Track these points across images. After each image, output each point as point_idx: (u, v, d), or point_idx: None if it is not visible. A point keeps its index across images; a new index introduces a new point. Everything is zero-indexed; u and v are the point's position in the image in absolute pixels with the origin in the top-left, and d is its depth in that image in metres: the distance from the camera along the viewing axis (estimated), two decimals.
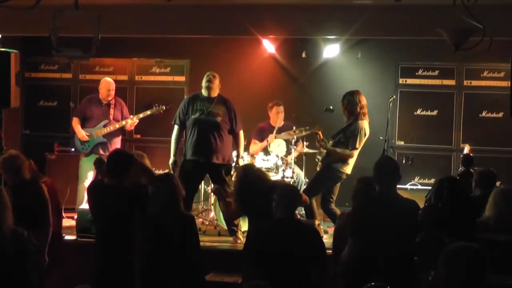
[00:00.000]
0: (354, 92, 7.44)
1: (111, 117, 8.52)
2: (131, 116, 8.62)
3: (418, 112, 9.51)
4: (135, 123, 8.60)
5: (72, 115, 8.89)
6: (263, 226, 4.95)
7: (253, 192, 5.48)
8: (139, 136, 9.83)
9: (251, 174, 5.66)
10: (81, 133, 8.44)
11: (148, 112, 8.63)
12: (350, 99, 7.37)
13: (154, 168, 9.46)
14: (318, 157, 7.50)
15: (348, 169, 7.32)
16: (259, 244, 4.78)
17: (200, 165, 7.33)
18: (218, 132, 7.34)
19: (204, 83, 7.39)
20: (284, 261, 4.61)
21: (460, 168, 7.73)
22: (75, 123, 8.54)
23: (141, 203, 5.19)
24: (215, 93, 7.41)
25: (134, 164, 5.36)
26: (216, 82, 7.39)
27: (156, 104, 8.67)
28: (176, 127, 7.56)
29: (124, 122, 8.50)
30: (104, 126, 8.46)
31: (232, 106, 7.48)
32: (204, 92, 7.41)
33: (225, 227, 7.48)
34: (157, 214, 4.99)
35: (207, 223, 7.98)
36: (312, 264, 4.74)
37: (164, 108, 8.65)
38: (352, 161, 7.34)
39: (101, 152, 8.36)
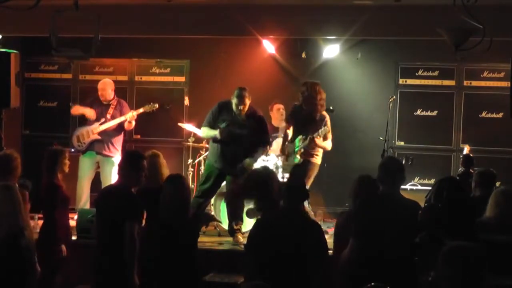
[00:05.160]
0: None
1: (109, 116, 8.48)
2: (132, 110, 8.54)
3: (418, 112, 9.50)
4: (134, 117, 8.46)
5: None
6: (266, 217, 4.92)
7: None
8: (139, 136, 9.82)
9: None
10: (91, 112, 8.41)
11: (141, 110, 8.53)
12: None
13: None
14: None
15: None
16: (261, 234, 4.75)
17: (222, 172, 7.38)
18: (242, 144, 7.25)
19: (234, 102, 7.20)
20: (285, 253, 4.57)
21: (460, 169, 7.74)
22: (80, 108, 8.53)
23: (142, 205, 5.21)
24: (246, 109, 7.26)
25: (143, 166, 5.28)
26: (247, 101, 7.20)
27: (149, 103, 8.63)
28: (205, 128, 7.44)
29: (119, 120, 8.39)
30: (101, 124, 8.42)
31: (262, 118, 7.41)
32: (234, 108, 7.25)
33: (225, 228, 7.47)
34: (166, 216, 4.91)
35: None
36: (311, 259, 4.70)
37: (157, 106, 8.59)
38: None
39: (97, 150, 8.35)
